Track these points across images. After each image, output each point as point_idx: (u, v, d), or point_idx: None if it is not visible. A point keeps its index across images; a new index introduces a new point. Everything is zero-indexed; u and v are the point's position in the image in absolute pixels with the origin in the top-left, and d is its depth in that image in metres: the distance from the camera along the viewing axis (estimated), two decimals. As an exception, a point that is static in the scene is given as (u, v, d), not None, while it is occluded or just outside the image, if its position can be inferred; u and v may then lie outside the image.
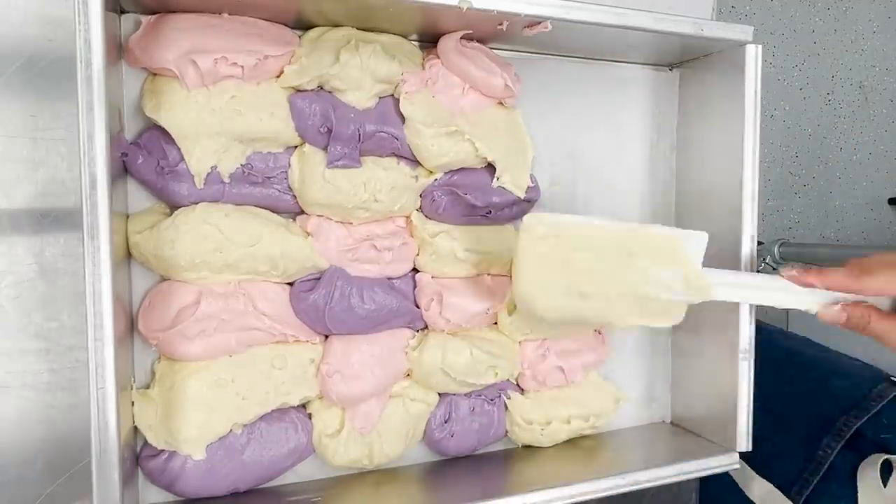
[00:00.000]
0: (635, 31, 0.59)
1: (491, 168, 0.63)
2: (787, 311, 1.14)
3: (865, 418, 0.68)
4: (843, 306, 0.52)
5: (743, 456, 0.64)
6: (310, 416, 0.60)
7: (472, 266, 0.63)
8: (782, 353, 0.57)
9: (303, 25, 0.57)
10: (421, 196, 0.62)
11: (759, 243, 1.34)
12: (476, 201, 0.61)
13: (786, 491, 0.69)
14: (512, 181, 0.63)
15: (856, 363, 0.79)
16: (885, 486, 0.64)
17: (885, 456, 0.64)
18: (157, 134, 0.53)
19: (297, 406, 0.60)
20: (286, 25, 0.56)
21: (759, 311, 0.61)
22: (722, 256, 0.67)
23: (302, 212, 0.59)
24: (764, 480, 0.71)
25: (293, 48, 0.55)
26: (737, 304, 0.64)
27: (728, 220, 0.66)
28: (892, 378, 0.71)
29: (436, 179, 0.61)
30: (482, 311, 0.63)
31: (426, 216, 0.62)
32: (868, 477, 0.65)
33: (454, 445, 0.65)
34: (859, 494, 0.65)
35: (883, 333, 0.51)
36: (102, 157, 0.43)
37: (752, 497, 0.71)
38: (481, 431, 0.66)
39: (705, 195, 0.69)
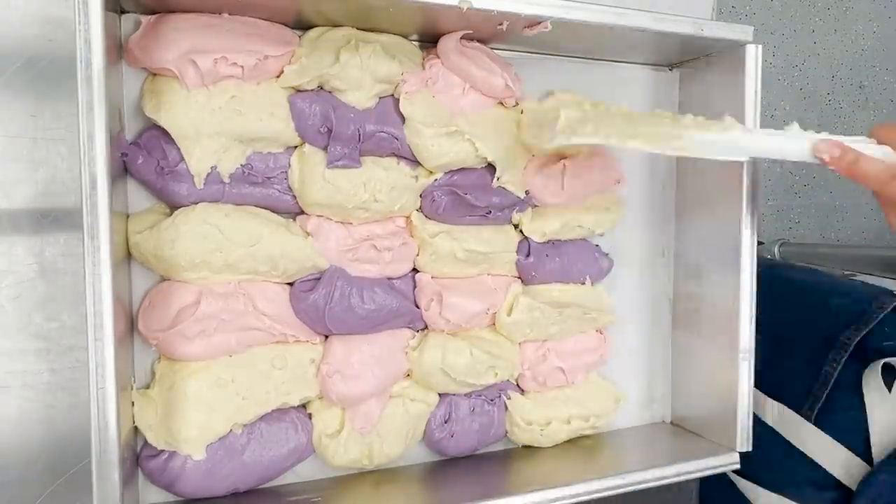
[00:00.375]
0: (635, 31, 0.59)
1: (491, 168, 0.63)
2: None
3: (867, 330, 0.69)
4: (834, 142, 0.53)
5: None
6: (310, 416, 0.60)
7: (472, 266, 0.63)
8: (783, 283, 0.57)
9: (303, 25, 0.57)
10: (421, 196, 0.62)
11: (760, 243, 1.35)
12: (476, 201, 0.61)
13: (797, 409, 0.71)
14: (512, 181, 0.63)
15: (856, 282, 0.80)
16: (889, 391, 0.65)
17: (885, 359, 0.65)
18: (157, 134, 0.53)
19: (297, 406, 0.60)
20: (286, 25, 0.56)
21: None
22: (722, 256, 0.67)
23: (302, 212, 0.59)
24: (775, 402, 0.72)
25: (293, 48, 0.55)
26: (737, 304, 0.64)
27: (728, 220, 0.66)
28: (893, 291, 0.72)
29: (436, 179, 0.61)
30: (482, 311, 0.63)
31: (426, 216, 0.62)
32: (872, 383, 0.66)
33: (454, 445, 0.65)
34: (866, 402, 0.66)
35: (868, 174, 0.53)
36: (102, 157, 0.43)
37: (766, 420, 0.73)
38: (481, 432, 0.66)
39: (705, 195, 0.69)
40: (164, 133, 0.52)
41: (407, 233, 0.62)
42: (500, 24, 0.57)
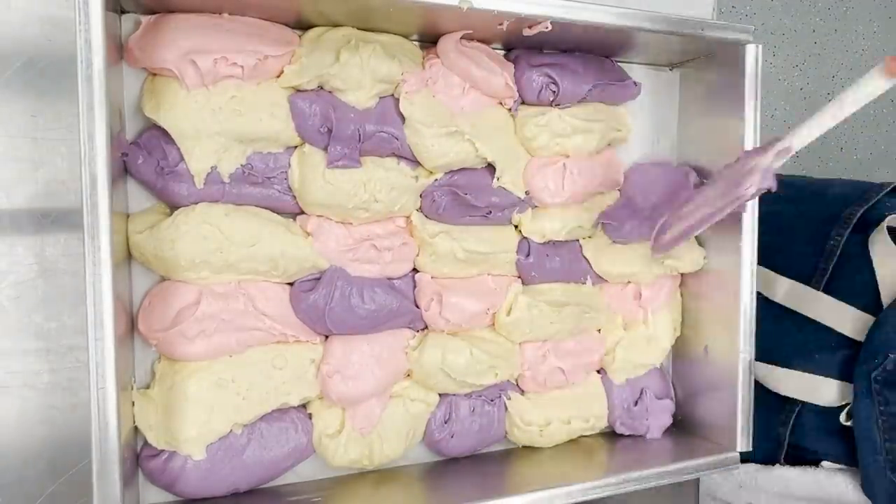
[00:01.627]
0: (635, 31, 0.59)
1: (491, 168, 0.63)
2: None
3: (868, 206, 0.71)
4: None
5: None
6: (310, 416, 0.60)
7: (472, 266, 0.63)
8: (782, 185, 0.58)
9: (303, 25, 0.57)
10: (421, 196, 0.62)
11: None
12: (476, 201, 0.61)
13: (805, 283, 0.72)
14: (512, 181, 0.63)
15: (849, 180, 0.81)
16: None
17: (890, 216, 0.67)
18: (157, 134, 0.53)
19: (298, 406, 0.60)
20: (286, 25, 0.56)
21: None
22: (722, 256, 0.67)
23: (302, 212, 0.59)
24: (785, 278, 0.73)
25: (293, 48, 0.55)
26: (737, 304, 0.64)
27: (729, 220, 0.66)
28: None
29: (436, 180, 0.61)
30: (482, 311, 0.63)
31: (426, 216, 0.62)
32: (879, 242, 0.67)
33: (454, 446, 0.65)
34: (874, 262, 0.67)
35: None
36: (103, 157, 0.44)
37: (776, 299, 0.74)
38: (481, 432, 0.66)
39: (705, 195, 0.69)
40: (164, 133, 0.52)
41: (407, 233, 0.62)
42: (500, 24, 0.57)
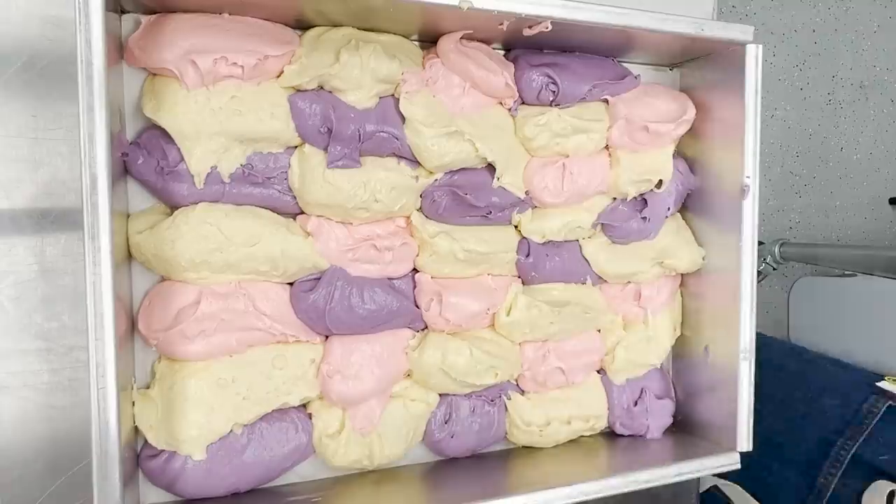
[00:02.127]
0: (636, 31, 0.59)
1: (491, 168, 0.63)
2: (787, 319, 1.13)
3: (860, 442, 0.69)
4: None
5: (743, 475, 0.64)
6: (310, 416, 0.60)
7: (472, 266, 0.63)
8: (772, 369, 0.57)
9: (303, 25, 0.57)
10: (421, 196, 0.62)
11: (760, 243, 1.34)
12: (476, 201, 0.61)
13: None
14: (512, 181, 0.63)
15: (844, 373, 0.78)
16: None
17: (892, 486, 0.64)
18: (157, 134, 0.53)
19: (298, 406, 0.60)
20: (286, 25, 0.56)
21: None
22: (723, 256, 0.67)
23: (302, 212, 0.59)
24: None
25: (293, 48, 0.55)
26: (737, 304, 0.64)
27: (729, 220, 0.66)
28: (879, 386, 0.71)
29: (436, 179, 0.61)
30: (482, 311, 0.63)
31: (426, 216, 0.62)
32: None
33: (454, 446, 0.65)
34: None
35: None
36: (103, 157, 0.44)
37: None
38: (481, 432, 0.66)
39: (706, 195, 0.69)
40: (164, 133, 0.52)
41: (407, 233, 0.62)
42: (501, 24, 0.57)
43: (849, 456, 0.68)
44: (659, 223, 0.68)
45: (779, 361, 0.67)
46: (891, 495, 0.65)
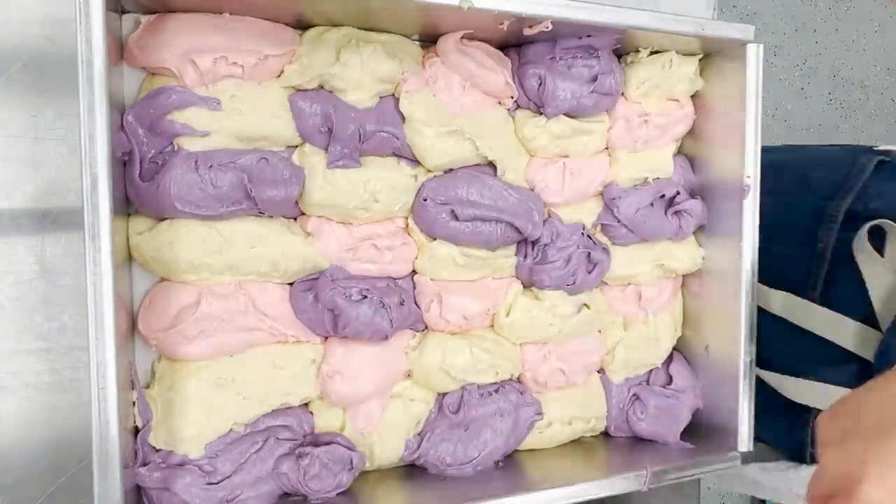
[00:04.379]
0: (635, 31, 0.59)
1: (491, 167, 0.63)
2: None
3: (852, 197, 0.67)
4: None
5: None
6: (311, 415, 0.60)
7: (472, 271, 0.63)
8: (763, 169, 0.56)
9: (303, 25, 0.57)
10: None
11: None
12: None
13: (800, 293, 0.69)
14: (512, 181, 0.63)
15: (833, 148, 0.76)
16: (882, 255, 0.63)
17: (869, 224, 0.64)
18: (157, 134, 0.53)
19: (298, 406, 0.59)
20: (287, 25, 0.56)
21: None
22: (723, 256, 0.67)
23: (302, 213, 0.59)
24: (778, 291, 0.70)
25: (294, 48, 0.55)
26: (737, 304, 0.64)
27: (729, 220, 0.66)
28: (872, 147, 0.70)
29: (435, 178, 0.61)
30: (482, 311, 0.63)
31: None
32: (863, 251, 0.64)
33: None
34: (862, 271, 0.64)
35: None
36: (104, 157, 0.44)
37: (773, 311, 0.71)
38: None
39: (707, 194, 0.69)
40: (165, 133, 0.52)
41: (406, 233, 0.62)
42: (501, 24, 0.56)
43: (841, 214, 0.67)
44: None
45: (769, 158, 0.65)
46: (874, 229, 0.63)
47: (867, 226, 0.64)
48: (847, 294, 0.66)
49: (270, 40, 0.54)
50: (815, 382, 0.67)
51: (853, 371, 0.65)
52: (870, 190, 0.67)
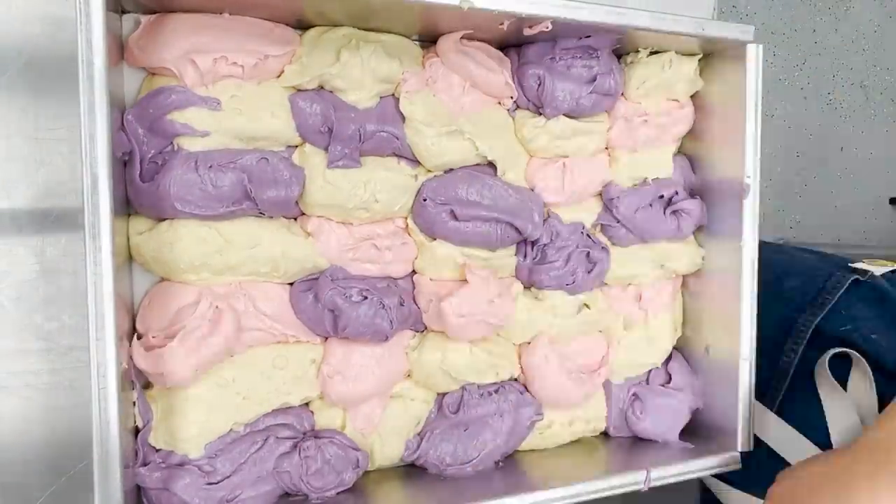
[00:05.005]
0: (636, 31, 0.59)
1: (491, 167, 0.63)
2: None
3: (823, 314, 0.66)
4: None
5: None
6: (312, 414, 0.59)
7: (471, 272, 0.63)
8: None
9: (303, 25, 0.57)
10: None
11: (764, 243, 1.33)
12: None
13: (760, 400, 0.67)
14: (512, 181, 0.63)
15: (811, 257, 0.75)
16: (845, 389, 0.62)
17: (833, 351, 0.62)
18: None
19: (298, 405, 0.59)
20: (287, 25, 0.56)
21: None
22: (723, 256, 0.67)
23: (302, 213, 0.59)
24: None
25: (294, 48, 0.55)
26: (737, 304, 0.64)
27: (729, 220, 0.66)
28: (849, 264, 0.69)
29: (435, 177, 0.61)
30: (483, 311, 0.63)
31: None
32: (824, 380, 0.62)
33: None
34: (821, 396, 0.62)
35: None
36: (104, 157, 0.44)
37: None
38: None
39: (707, 195, 0.69)
40: (165, 133, 0.52)
41: (406, 233, 0.62)
42: (501, 24, 0.57)
43: (810, 330, 0.66)
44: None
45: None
46: (839, 356, 0.62)
47: (830, 352, 0.62)
48: (804, 414, 0.64)
49: (270, 40, 0.54)
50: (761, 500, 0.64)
51: None
52: (841, 310, 0.66)
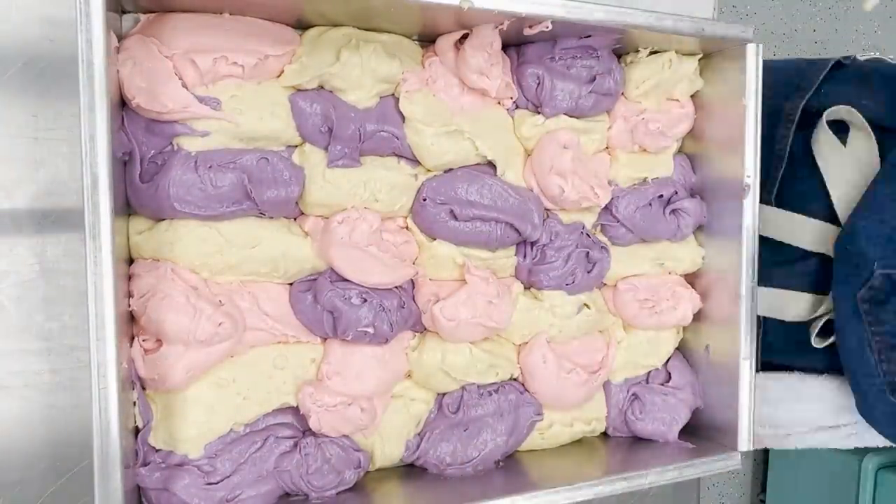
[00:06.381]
0: (635, 31, 0.59)
1: (491, 167, 0.63)
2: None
3: (809, 95, 0.67)
4: None
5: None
6: (311, 415, 0.60)
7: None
8: None
9: (303, 25, 0.57)
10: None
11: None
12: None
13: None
14: (512, 181, 0.63)
15: (798, 59, 0.78)
16: (844, 145, 0.63)
17: (831, 113, 0.63)
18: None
19: (298, 405, 0.59)
20: (287, 25, 0.56)
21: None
22: (723, 256, 0.67)
23: (302, 213, 0.59)
24: None
25: (294, 47, 0.55)
26: (737, 304, 0.64)
27: (729, 220, 0.66)
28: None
29: (435, 177, 0.61)
30: (483, 311, 0.63)
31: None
32: (823, 140, 0.64)
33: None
34: (820, 165, 0.64)
35: None
36: (104, 156, 0.44)
37: None
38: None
39: (707, 195, 0.69)
40: (165, 133, 0.52)
41: (406, 233, 0.62)
42: (501, 24, 0.57)
43: (798, 112, 0.67)
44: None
45: None
46: (831, 128, 0.64)
47: (829, 111, 0.64)
48: (803, 191, 0.66)
49: (270, 40, 0.54)
50: (764, 289, 0.66)
51: (811, 268, 0.64)
52: (826, 90, 0.67)
